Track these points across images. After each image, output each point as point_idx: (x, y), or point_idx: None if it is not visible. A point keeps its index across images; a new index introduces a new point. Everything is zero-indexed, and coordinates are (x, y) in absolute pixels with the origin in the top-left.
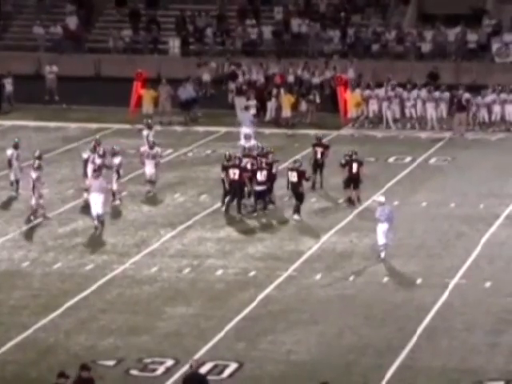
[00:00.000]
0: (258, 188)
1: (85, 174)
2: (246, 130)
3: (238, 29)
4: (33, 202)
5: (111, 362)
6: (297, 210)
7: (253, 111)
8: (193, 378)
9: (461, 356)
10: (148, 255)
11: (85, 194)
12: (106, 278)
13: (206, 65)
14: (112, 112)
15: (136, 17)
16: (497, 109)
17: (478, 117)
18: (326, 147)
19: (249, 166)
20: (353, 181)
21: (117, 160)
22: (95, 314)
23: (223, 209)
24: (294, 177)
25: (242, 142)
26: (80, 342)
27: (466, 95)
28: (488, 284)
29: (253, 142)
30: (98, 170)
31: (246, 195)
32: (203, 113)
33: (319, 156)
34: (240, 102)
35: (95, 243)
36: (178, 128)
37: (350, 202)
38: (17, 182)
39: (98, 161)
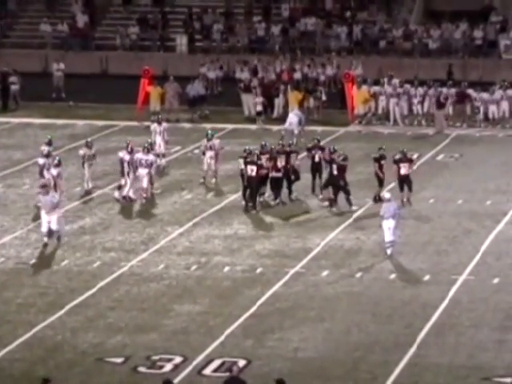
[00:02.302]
0: (274, 174)
1: (121, 173)
2: (293, 117)
3: (242, 26)
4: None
5: (119, 360)
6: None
7: (259, 108)
8: (232, 383)
9: (468, 353)
10: (155, 253)
11: (116, 193)
12: (113, 276)
13: (213, 62)
14: (119, 109)
15: (143, 14)
16: (504, 105)
17: (488, 113)
18: (323, 150)
19: (264, 163)
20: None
21: (146, 158)
22: (102, 312)
23: (243, 203)
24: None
25: (295, 128)
26: (87, 339)
27: (469, 90)
28: (496, 280)
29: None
30: (44, 187)
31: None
32: (210, 110)
33: (317, 159)
34: (247, 98)
35: (104, 239)
36: (186, 125)
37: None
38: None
39: (127, 157)
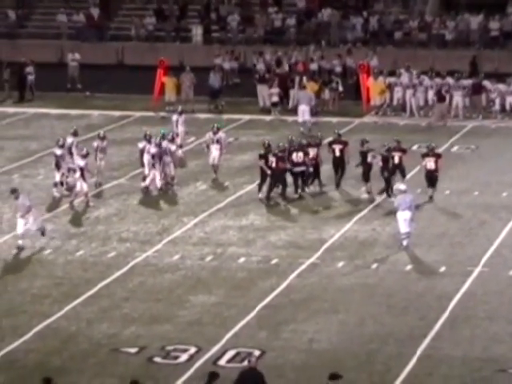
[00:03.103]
0: (295, 169)
1: (141, 164)
2: (304, 107)
3: (260, 17)
4: (85, 188)
5: (133, 350)
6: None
7: (275, 99)
8: (249, 374)
9: (483, 345)
10: (170, 243)
11: (142, 183)
12: (128, 266)
13: (228, 53)
14: (135, 100)
15: (159, 5)
16: None
17: (505, 104)
18: (345, 144)
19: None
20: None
21: (173, 147)
22: (117, 303)
23: (261, 196)
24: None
25: (302, 118)
26: (102, 330)
27: (485, 82)
28: (511, 273)
29: (307, 118)
30: (15, 192)
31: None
32: (226, 101)
33: (338, 154)
34: (262, 89)
35: (119, 229)
36: (201, 115)
37: None
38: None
39: (153, 150)
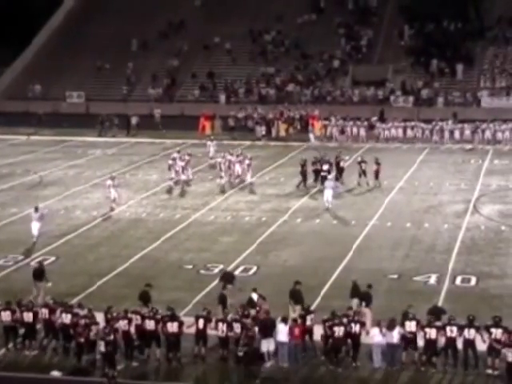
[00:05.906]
0: (323, 173)
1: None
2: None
3: (255, 89)
4: (182, 177)
5: (190, 266)
6: None
7: (263, 133)
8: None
9: (375, 261)
10: (209, 210)
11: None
12: (186, 222)
13: (241, 109)
14: (189, 133)
15: (202, 83)
16: (394, 131)
17: (383, 134)
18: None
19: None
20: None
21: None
22: (181, 242)
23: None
24: None
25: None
26: (173, 256)
27: (377, 124)
28: (389, 224)
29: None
30: (36, 210)
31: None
32: (237, 134)
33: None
34: (257, 128)
35: (182, 203)
36: (225, 142)
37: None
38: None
39: (187, 157)
